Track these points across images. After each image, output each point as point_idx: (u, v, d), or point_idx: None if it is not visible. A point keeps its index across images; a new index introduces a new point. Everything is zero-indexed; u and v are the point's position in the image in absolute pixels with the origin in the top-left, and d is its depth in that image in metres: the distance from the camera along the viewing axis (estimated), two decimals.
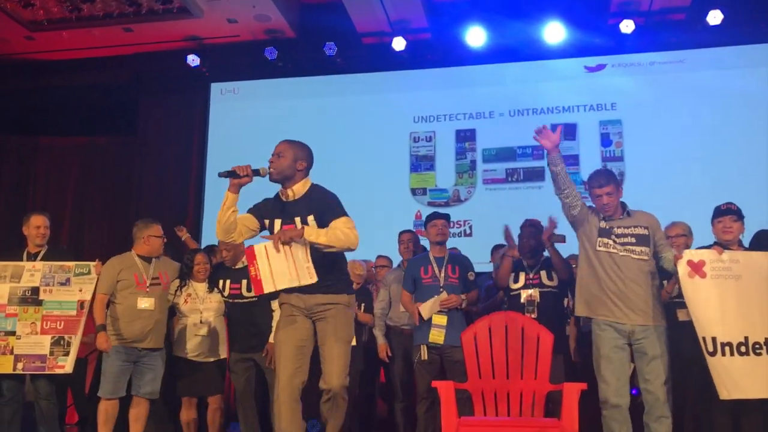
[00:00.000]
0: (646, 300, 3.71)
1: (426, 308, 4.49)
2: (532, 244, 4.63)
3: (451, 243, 4.98)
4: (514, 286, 4.60)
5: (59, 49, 8.26)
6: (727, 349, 3.60)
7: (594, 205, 3.91)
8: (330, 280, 3.41)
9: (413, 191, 7.77)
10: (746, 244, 4.14)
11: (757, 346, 3.63)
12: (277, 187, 3.51)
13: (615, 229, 3.80)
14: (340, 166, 7.22)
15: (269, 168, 3.41)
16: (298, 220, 3.39)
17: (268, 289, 3.30)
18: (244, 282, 4.59)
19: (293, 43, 8.04)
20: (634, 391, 4.03)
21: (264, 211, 3.51)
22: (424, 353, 4.46)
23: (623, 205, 3.89)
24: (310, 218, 3.37)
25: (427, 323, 4.46)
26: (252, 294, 4.42)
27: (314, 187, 3.48)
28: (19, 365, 4.50)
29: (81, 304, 4.58)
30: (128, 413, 4.48)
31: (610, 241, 3.77)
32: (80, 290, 4.60)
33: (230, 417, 5.27)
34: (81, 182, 8.99)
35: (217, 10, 7.57)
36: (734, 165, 6.92)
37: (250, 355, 4.61)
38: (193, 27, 7.88)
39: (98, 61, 8.41)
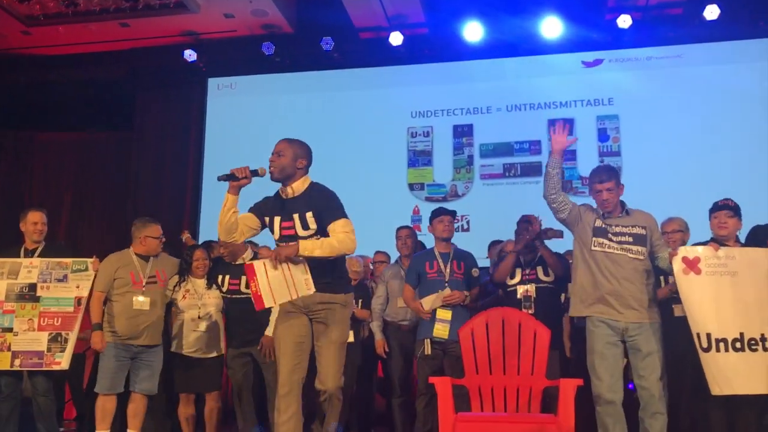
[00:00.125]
0: (641, 298, 3.72)
1: (428, 302, 4.48)
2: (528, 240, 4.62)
3: None
4: (511, 282, 4.59)
5: (56, 44, 8.22)
6: (721, 345, 3.62)
7: (590, 203, 3.91)
8: (328, 279, 3.43)
9: (411, 186, 7.77)
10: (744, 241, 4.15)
11: (752, 341, 3.64)
12: (276, 186, 3.52)
13: (613, 227, 3.80)
14: (338, 162, 7.24)
15: (270, 167, 3.43)
16: (296, 216, 3.41)
17: (268, 304, 3.35)
18: (243, 278, 4.58)
19: (290, 38, 8.03)
20: (630, 386, 4.04)
21: (264, 210, 3.54)
22: (427, 348, 4.45)
23: (622, 204, 3.89)
24: (309, 215, 3.39)
25: (432, 318, 4.46)
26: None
27: (313, 185, 3.51)
28: (17, 362, 4.51)
29: (78, 300, 4.58)
30: (126, 409, 4.49)
31: (606, 240, 3.78)
32: (77, 287, 4.60)
33: (227, 413, 5.28)
34: (78, 178, 9.00)
35: (214, 5, 7.56)
36: (731, 160, 6.94)
37: (247, 350, 4.62)
38: (189, 22, 7.86)
39: (95, 57, 8.38)
